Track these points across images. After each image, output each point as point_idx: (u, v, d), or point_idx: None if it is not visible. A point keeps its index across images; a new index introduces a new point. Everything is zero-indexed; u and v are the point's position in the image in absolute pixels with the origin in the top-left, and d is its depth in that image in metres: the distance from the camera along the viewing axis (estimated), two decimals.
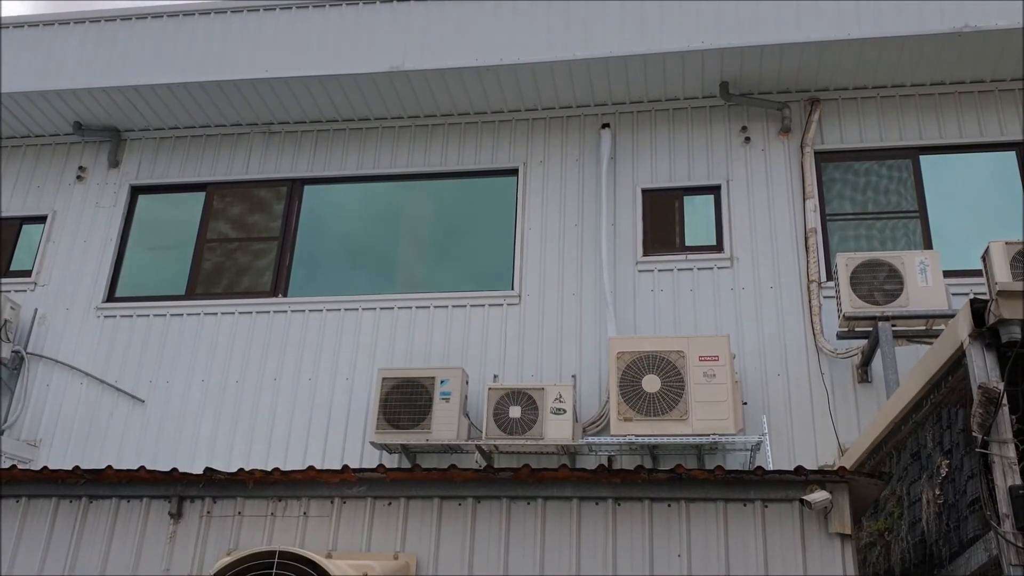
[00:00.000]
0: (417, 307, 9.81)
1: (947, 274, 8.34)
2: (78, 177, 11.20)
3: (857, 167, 9.80)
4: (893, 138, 9.78)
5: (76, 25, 10.97)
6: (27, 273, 10.77)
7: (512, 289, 9.76)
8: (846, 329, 8.40)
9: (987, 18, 9.06)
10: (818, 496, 4.78)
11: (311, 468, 5.28)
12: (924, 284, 8.16)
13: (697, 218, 9.83)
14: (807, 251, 9.33)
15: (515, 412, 8.47)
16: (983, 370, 4.84)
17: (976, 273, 8.30)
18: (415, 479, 5.19)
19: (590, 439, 8.47)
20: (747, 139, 10.01)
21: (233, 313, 10.11)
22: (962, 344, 5.00)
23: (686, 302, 9.36)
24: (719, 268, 9.47)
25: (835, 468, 5.02)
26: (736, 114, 10.16)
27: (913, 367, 6.13)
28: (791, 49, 9.45)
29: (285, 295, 10.21)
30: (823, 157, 9.85)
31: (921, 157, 9.70)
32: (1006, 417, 4.70)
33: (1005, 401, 4.70)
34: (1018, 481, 4.58)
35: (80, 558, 5.33)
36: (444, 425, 8.59)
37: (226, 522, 5.26)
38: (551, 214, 10.05)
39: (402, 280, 10.31)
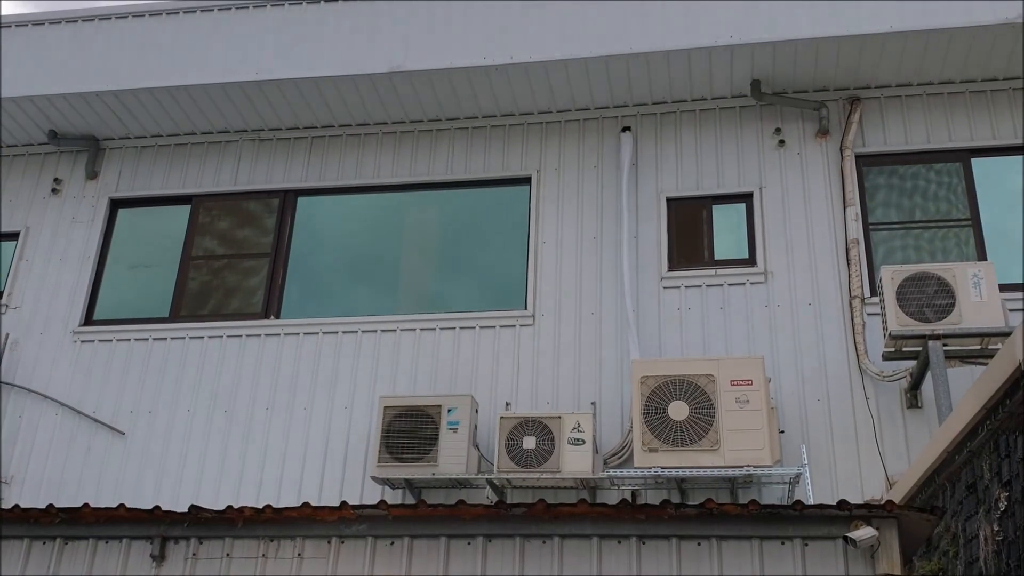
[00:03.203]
0: (422, 329, 9.83)
1: (1003, 288, 8.30)
2: (53, 190, 11.29)
3: (902, 171, 9.79)
4: (942, 139, 9.76)
5: (50, 26, 11.08)
6: None
7: (525, 309, 9.77)
8: (893, 349, 8.36)
9: None
10: (864, 533, 4.75)
11: (306, 505, 5.28)
12: (978, 299, 8.11)
13: (727, 229, 9.83)
14: (848, 264, 9.31)
15: (529, 443, 8.46)
16: None
17: None
18: (420, 516, 5.19)
19: (611, 472, 8.45)
20: (781, 142, 10.02)
21: (221, 337, 10.15)
22: (1020, 364, 4.97)
23: (716, 321, 9.35)
24: (752, 284, 9.46)
25: (882, 502, 4.99)
26: (769, 115, 10.17)
27: (967, 390, 6.09)
28: (828, 43, 9.45)
29: (278, 317, 10.24)
30: (865, 161, 9.84)
31: (973, 160, 9.68)
32: None
33: None
34: None
35: None
36: (452, 457, 8.58)
37: (213, 564, 5.27)
38: (567, 226, 10.06)
39: (405, 300, 10.33)
